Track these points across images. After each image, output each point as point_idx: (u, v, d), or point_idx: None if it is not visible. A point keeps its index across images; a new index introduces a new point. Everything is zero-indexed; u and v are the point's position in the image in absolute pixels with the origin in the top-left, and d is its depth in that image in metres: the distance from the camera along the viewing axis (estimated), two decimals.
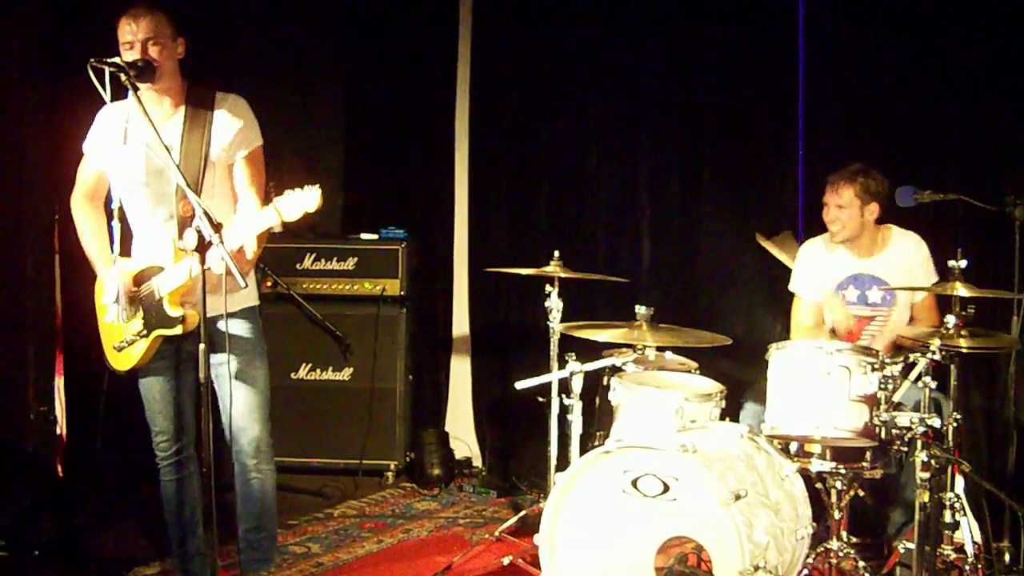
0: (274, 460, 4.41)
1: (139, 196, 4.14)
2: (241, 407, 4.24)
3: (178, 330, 4.02)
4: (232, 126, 4.17)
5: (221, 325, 4.02)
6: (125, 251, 4.21)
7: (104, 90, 3.68)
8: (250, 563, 4.39)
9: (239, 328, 4.23)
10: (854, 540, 4.68)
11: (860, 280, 5.26)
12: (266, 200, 4.02)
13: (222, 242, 3.59)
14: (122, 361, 4.23)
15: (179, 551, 4.42)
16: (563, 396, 4.91)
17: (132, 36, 4.00)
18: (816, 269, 5.37)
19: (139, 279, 4.13)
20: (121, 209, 3.97)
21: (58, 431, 5.79)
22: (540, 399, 5.02)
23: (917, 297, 5.22)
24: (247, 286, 3.79)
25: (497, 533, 5.26)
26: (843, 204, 5.16)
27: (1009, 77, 5.50)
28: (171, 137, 4.08)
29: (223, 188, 4.20)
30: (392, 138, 7.11)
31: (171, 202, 4.08)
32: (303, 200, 3.72)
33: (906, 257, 5.20)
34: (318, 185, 3.72)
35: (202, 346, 3.63)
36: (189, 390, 4.24)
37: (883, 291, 5.20)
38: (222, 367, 4.13)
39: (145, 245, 4.21)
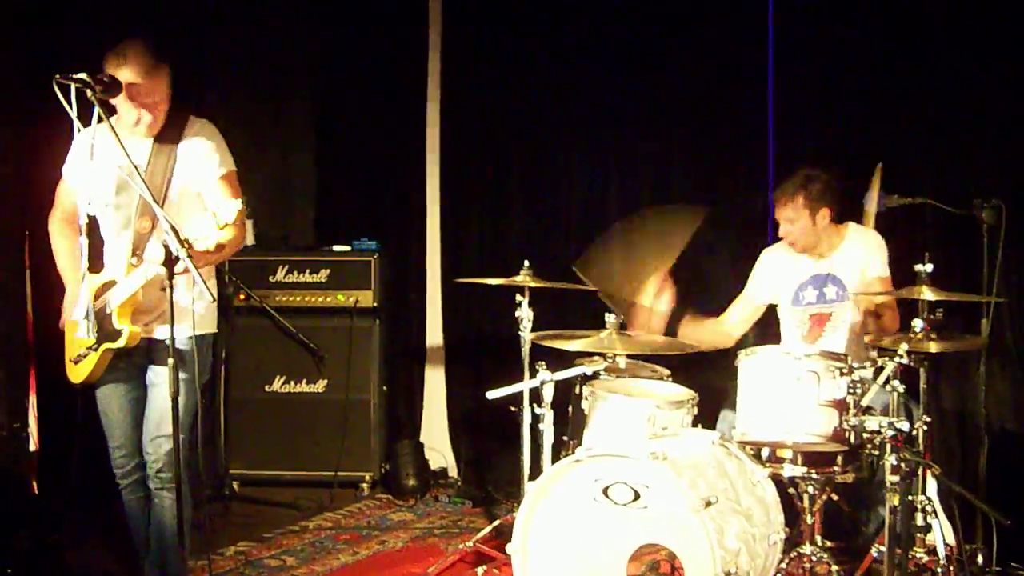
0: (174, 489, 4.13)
1: (108, 213, 4.19)
2: (151, 432, 4.22)
3: (121, 343, 4.05)
4: (200, 151, 4.20)
5: (165, 346, 3.90)
6: (97, 268, 4.24)
7: (70, 107, 3.68)
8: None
9: (182, 354, 4.06)
10: (828, 544, 4.70)
11: (817, 279, 5.29)
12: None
13: (190, 256, 3.61)
14: (76, 374, 4.26)
15: (150, 569, 4.42)
16: (535, 405, 4.92)
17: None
18: (776, 275, 5.42)
19: (98, 294, 4.16)
20: (89, 225, 3.97)
21: (32, 447, 5.76)
22: (512, 408, 5.02)
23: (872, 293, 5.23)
24: (215, 299, 3.80)
25: (472, 543, 5.26)
26: (793, 218, 5.16)
27: (977, 80, 5.54)
28: (138, 157, 4.09)
29: (188, 212, 4.17)
30: (364, 150, 7.12)
31: (130, 212, 4.13)
32: (220, 214, 3.68)
33: (857, 253, 5.23)
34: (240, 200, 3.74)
35: (171, 360, 3.66)
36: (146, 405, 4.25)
37: (836, 287, 5.23)
38: (149, 389, 4.22)
39: (108, 260, 4.25)
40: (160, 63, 4.06)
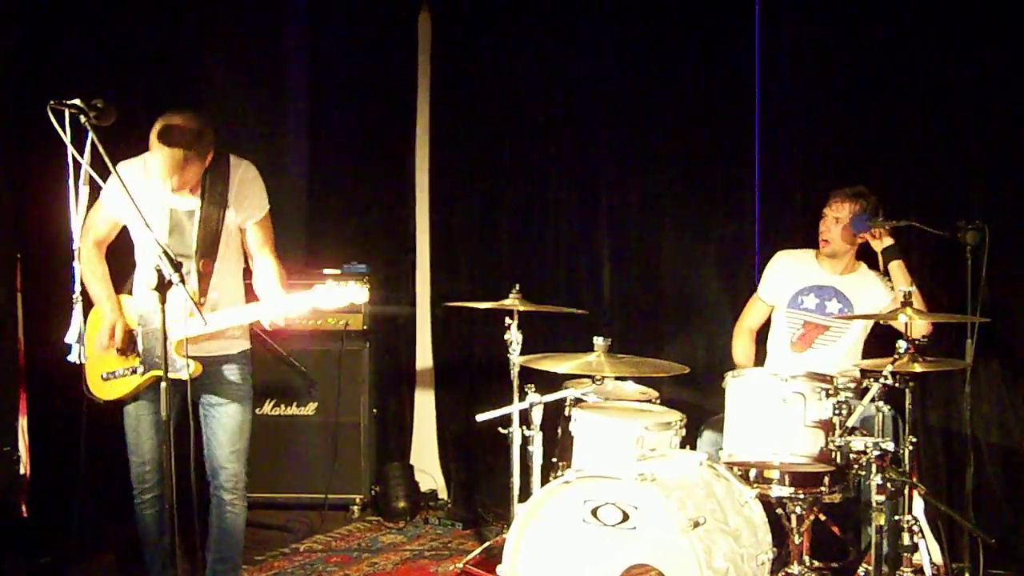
0: (245, 497, 4.62)
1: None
2: (226, 447, 4.49)
3: (183, 375, 4.19)
4: (247, 195, 4.46)
5: (222, 369, 4.44)
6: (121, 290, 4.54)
7: (64, 132, 3.71)
8: None
9: (234, 372, 4.52)
10: (816, 564, 4.75)
11: (823, 291, 5.38)
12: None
13: (183, 282, 3.70)
14: (107, 391, 4.45)
15: None
16: (524, 427, 4.96)
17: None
18: (784, 274, 5.52)
19: (144, 320, 4.39)
20: (80, 250, 4.02)
21: (22, 471, 5.76)
22: (502, 430, 5.06)
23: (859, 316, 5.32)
24: (207, 324, 3.89)
25: (462, 564, 5.29)
26: (840, 218, 5.30)
27: (962, 101, 5.59)
28: (191, 204, 4.39)
29: (234, 249, 4.51)
30: (354, 175, 7.14)
31: (190, 258, 4.33)
32: (349, 294, 4.09)
33: (874, 289, 5.33)
34: (366, 283, 4.18)
35: (163, 384, 3.73)
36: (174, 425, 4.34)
37: (841, 304, 5.30)
38: (212, 408, 4.48)
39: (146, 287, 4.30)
40: (191, 153, 4.21)
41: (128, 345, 4.42)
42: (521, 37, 6.71)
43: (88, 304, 4.31)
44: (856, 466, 4.46)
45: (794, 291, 5.43)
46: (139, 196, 4.12)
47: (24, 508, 5.74)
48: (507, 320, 5.19)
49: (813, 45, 5.97)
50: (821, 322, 5.34)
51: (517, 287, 5.20)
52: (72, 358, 4.15)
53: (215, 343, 4.40)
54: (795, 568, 4.58)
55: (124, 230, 4.50)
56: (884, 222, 5.22)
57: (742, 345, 5.63)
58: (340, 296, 4.10)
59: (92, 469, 4.96)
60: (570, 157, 6.65)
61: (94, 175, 3.79)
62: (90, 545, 5.50)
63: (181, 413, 4.21)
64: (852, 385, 4.56)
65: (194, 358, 4.26)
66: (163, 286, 3.72)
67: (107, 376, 4.41)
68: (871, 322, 5.30)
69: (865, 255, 5.44)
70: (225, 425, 4.48)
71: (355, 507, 6.55)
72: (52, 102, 3.71)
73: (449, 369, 7.02)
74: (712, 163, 6.27)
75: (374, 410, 6.71)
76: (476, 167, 6.90)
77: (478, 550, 5.40)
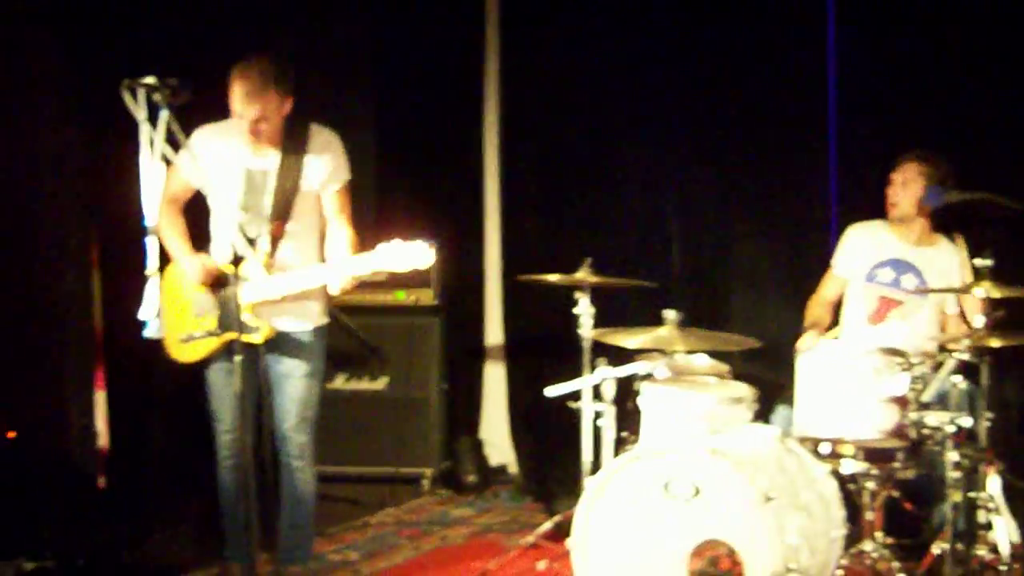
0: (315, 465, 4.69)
1: (235, 213, 4.39)
2: (295, 417, 4.56)
3: (256, 339, 4.27)
4: (326, 162, 4.50)
5: (292, 337, 4.47)
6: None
7: (138, 111, 3.73)
8: (288, 556, 4.65)
9: (309, 344, 4.56)
10: (890, 541, 4.67)
11: (899, 264, 5.29)
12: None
13: (254, 251, 3.78)
14: (186, 353, 4.52)
15: (233, 550, 4.65)
16: (595, 401, 4.95)
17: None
18: (858, 248, 5.43)
19: (221, 280, 4.40)
20: (159, 227, 4.08)
21: (100, 443, 5.87)
22: (572, 405, 5.06)
23: (949, 309, 5.24)
24: (273, 287, 4.00)
25: (532, 538, 5.30)
26: (907, 181, 5.22)
27: None
28: (268, 165, 4.43)
29: (310, 214, 4.53)
30: (422, 148, 7.15)
31: (265, 221, 4.39)
32: (414, 255, 4.03)
33: (949, 262, 5.24)
34: (431, 244, 4.02)
35: (237, 358, 3.77)
36: (253, 391, 4.39)
37: (918, 281, 5.23)
38: (283, 378, 4.51)
39: (222, 249, 4.46)
40: (268, 86, 4.28)
41: (217, 282, 4.44)
42: (591, 11, 6.66)
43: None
44: (930, 442, 4.41)
45: (870, 265, 5.35)
46: (216, 158, 4.21)
47: (103, 480, 5.86)
48: (577, 294, 5.18)
49: (887, 13, 5.87)
50: (895, 296, 5.27)
51: (588, 260, 5.19)
52: (148, 334, 4.19)
53: (293, 318, 4.45)
54: (868, 545, 4.52)
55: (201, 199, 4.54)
56: (958, 194, 5.13)
57: (815, 310, 5.52)
58: (404, 257, 4.07)
59: (169, 442, 5.05)
60: (641, 130, 6.60)
61: (168, 153, 3.82)
62: (167, 516, 5.61)
63: (259, 380, 4.31)
64: (928, 359, 4.49)
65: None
66: (237, 259, 3.80)
67: (186, 339, 4.45)
68: (946, 297, 5.22)
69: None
70: (293, 395, 4.53)
71: (425, 481, 6.59)
72: (126, 80, 3.73)
73: (519, 343, 7.03)
74: (785, 133, 6.20)
75: (444, 384, 6.74)
76: (546, 140, 6.87)
77: (548, 523, 5.40)
